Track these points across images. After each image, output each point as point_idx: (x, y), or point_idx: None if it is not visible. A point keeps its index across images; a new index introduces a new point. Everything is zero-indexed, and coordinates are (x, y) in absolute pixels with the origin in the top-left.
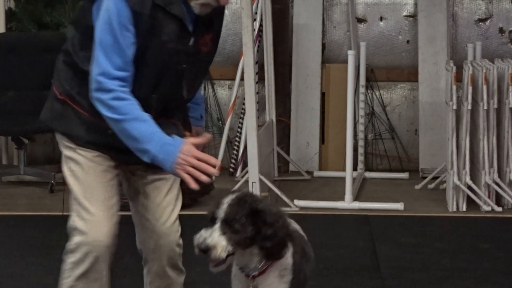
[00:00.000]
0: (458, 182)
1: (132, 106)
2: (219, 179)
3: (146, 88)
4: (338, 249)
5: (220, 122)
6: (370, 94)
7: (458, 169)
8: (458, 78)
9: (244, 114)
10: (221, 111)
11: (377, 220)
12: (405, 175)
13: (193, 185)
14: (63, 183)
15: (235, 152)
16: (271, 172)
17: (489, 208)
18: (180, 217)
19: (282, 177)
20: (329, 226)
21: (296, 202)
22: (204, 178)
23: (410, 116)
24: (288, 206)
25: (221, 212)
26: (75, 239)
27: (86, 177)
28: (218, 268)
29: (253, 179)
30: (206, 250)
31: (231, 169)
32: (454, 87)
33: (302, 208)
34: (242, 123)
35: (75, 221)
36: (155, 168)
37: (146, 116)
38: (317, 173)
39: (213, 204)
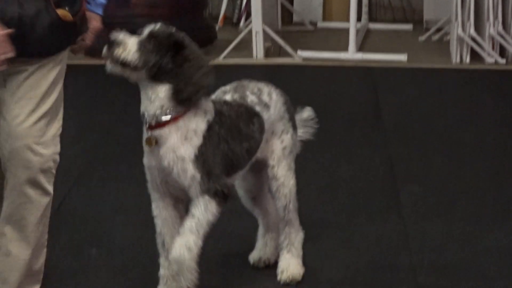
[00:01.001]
0: (462, 34)
1: None
2: (223, 29)
3: None
4: (341, 99)
5: None
6: None
7: (463, 20)
8: None
9: None
10: None
11: (381, 71)
12: (409, 26)
13: None
14: None
15: (238, 1)
16: (274, 23)
17: (492, 60)
18: None
19: (285, 27)
20: (332, 77)
21: (300, 52)
22: None
23: None
24: (292, 56)
25: (148, 29)
26: None
27: None
28: (113, 69)
29: (257, 29)
30: (113, 43)
31: (234, 19)
32: None
33: (305, 59)
34: None
35: None
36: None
37: None
38: (320, 24)
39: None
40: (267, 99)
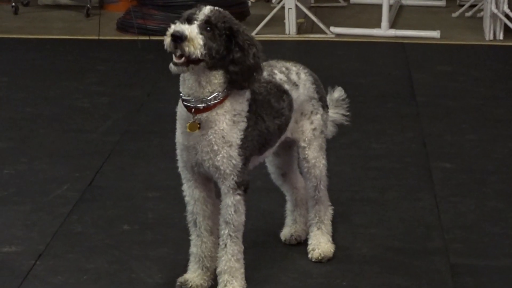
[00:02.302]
0: (495, 10)
1: None
2: (255, 5)
3: None
4: (374, 76)
5: None
6: None
7: None
8: None
9: None
10: None
11: (413, 48)
12: (442, 2)
13: None
14: (99, 7)
15: None
16: None
17: None
18: None
19: (318, 3)
20: (365, 53)
21: (332, 29)
22: None
23: None
24: (324, 32)
25: (202, 14)
26: None
27: None
28: (179, 69)
29: (289, 5)
30: (183, 38)
31: None
32: None
33: (338, 35)
34: None
35: None
36: None
37: None
38: (353, 0)
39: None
40: (295, 78)
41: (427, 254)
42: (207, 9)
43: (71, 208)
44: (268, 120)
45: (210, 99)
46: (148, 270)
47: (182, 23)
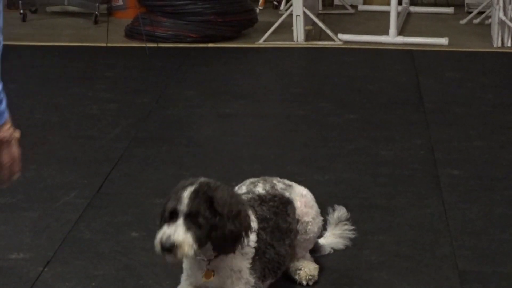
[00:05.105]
0: (503, 17)
1: None
2: (263, 12)
3: None
4: (382, 83)
5: None
6: None
7: (504, 4)
8: None
9: None
10: None
11: (421, 55)
12: (450, 9)
13: None
14: (107, 14)
15: None
16: (315, 6)
17: None
18: (224, 49)
19: (326, 10)
20: (373, 60)
21: (340, 36)
22: None
23: None
24: (332, 40)
25: (183, 206)
26: None
27: None
28: (173, 261)
29: (297, 12)
30: (171, 248)
31: (275, 2)
32: None
33: (346, 42)
34: None
35: None
36: None
37: None
38: (361, 7)
39: (170, 198)
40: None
41: (435, 260)
42: (186, 197)
43: (79, 215)
44: (278, 246)
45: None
46: (156, 277)
47: (164, 221)
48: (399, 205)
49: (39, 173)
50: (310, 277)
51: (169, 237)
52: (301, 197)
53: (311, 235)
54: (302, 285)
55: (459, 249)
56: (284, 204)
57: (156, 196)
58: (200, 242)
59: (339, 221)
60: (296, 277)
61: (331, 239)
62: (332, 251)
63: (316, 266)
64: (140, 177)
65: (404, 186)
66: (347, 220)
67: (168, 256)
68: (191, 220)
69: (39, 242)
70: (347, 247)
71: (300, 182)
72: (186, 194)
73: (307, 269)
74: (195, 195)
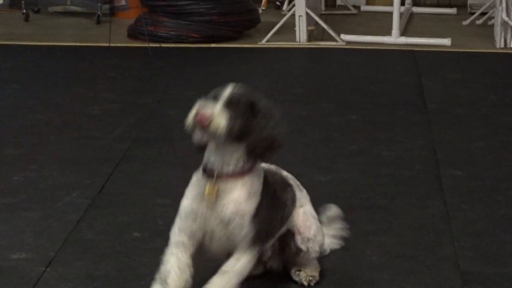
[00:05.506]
0: (506, 18)
1: None
2: (266, 12)
3: None
4: (384, 83)
5: None
6: None
7: (507, 4)
8: None
9: None
10: None
11: (424, 55)
12: (453, 10)
13: None
14: (110, 14)
15: None
16: (318, 6)
17: None
18: (226, 49)
19: (329, 11)
20: (375, 60)
21: (343, 36)
22: None
23: None
24: (335, 40)
25: (225, 93)
26: None
27: None
28: (202, 140)
29: (300, 12)
30: (205, 120)
31: (277, 2)
32: None
33: (348, 42)
34: None
35: None
36: None
37: None
38: (364, 8)
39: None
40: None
41: (437, 261)
42: (230, 87)
43: (81, 215)
44: (271, 209)
45: (231, 170)
46: None
47: (207, 101)
48: (400, 206)
49: (40, 173)
50: (310, 277)
51: (206, 105)
52: (303, 211)
53: (313, 255)
54: (303, 285)
55: (461, 250)
56: (284, 183)
57: (158, 196)
58: (233, 127)
59: (331, 221)
60: (297, 278)
61: (325, 239)
62: (328, 251)
63: (317, 266)
64: (141, 178)
65: (406, 187)
66: (340, 218)
67: (197, 132)
68: (230, 107)
69: (41, 242)
70: (347, 247)
71: (301, 182)
72: (231, 85)
73: (307, 269)
74: (241, 89)
